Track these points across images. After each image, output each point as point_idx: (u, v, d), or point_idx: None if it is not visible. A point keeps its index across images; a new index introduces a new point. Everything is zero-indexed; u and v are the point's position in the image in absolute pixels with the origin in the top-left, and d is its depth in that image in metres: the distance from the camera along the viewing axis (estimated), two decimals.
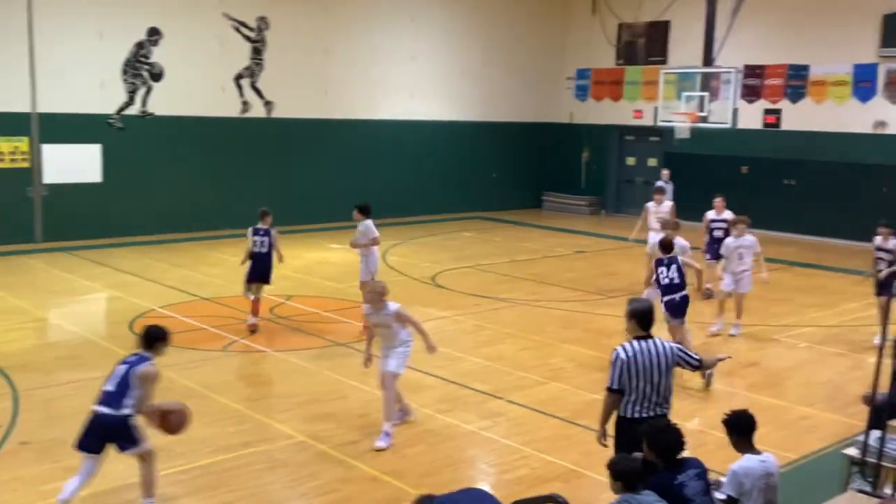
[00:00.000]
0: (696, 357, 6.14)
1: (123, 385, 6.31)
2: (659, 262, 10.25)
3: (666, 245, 10.38)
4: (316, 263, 16.69)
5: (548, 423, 8.54)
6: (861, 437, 6.22)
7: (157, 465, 6.51)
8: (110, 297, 13.70)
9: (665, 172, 19.69)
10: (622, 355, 5.83)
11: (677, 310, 10.08)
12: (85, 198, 18.16)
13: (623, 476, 4.82)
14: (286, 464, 7.42)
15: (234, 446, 7.72)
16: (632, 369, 5.80)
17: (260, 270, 11.73)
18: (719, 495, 5.34)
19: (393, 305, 8.05)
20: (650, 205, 15.11)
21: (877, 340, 10.61)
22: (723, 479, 5.37)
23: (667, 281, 10.08)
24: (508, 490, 6.92)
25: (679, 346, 6.11)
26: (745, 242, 11.86)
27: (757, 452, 5.40)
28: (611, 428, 6.06)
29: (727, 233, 13.87)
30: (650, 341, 5.90)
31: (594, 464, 7.22)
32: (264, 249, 11.72)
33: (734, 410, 5.54)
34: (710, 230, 14.28)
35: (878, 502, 5.50)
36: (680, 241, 10.99)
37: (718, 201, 14.38)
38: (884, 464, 5.97)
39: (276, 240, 11.87)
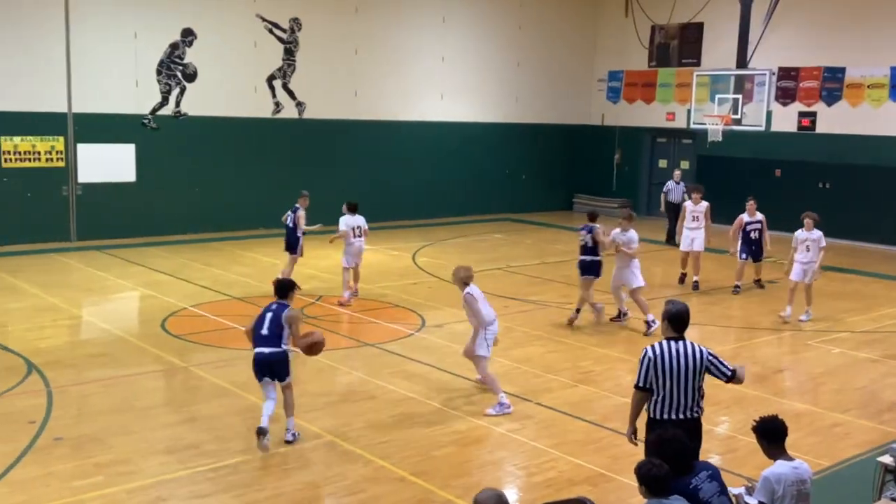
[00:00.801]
0: (730, 367, 6.02)
1: (277, 327, 7.70)
2: (582, 227, 12.54)
3: (590, 216, 12.58)
4: None
5: (577, 426, 8.49)
6: None
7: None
8: (143, 295, 13.85)
9: (677, 173, 20.11)
10: (650, 354, 5.90)
11: (584, 269, 12.34)
12: (119, 197, 18.39)
13: (650, 481, 4.78)
14: (315, 463, 7.44)
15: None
16: (658, 369, 5.85)
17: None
18: (751, 501, 5.27)
19: (468, 290, 8.77)
20: (687, 204, 15.64)
21: None
22: (756, 484, 5.30)
23: (582, 243, 12.39)
24: (537, 493, 6.89)
25: (711, 352, 6.01)
26: (812, 236, 12.91)
27: (790, 458, 5.33)
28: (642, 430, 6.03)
29: (761, 234, 14.73)
30: (681, 343, 5.92)
31: (623, 468, 7.17)
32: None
33: (764, 417, 5.47)
34: (746, 232, 14.84)
35: None
36: (632, 234, 12.34)
37: (750, 204, 14.96)
38: None
39: (299, 219, 13.98)
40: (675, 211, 19.38)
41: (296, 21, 20.35)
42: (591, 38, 26.22)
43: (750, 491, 5.38)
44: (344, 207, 14.07)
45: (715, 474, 5.09)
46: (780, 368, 10.58)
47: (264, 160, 20.27)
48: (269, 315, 7.78)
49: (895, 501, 5.64)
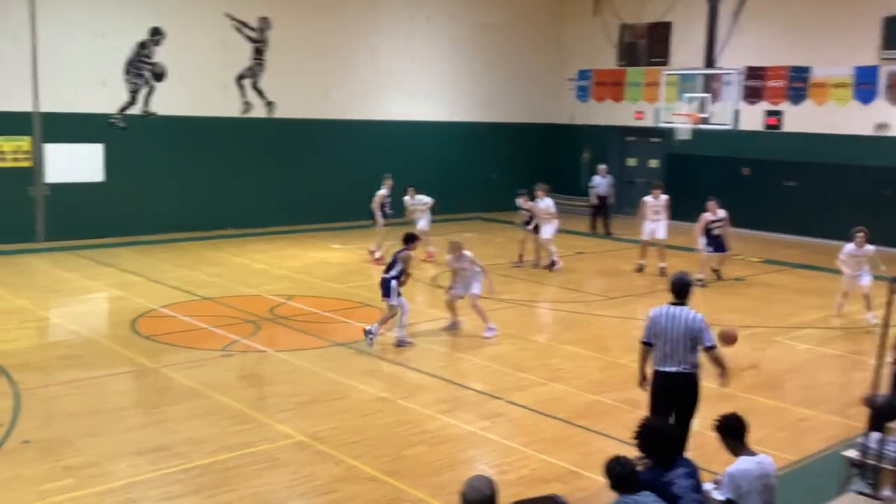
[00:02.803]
0: (713, 341, 6.89)
1: (391, 266, 11.06)
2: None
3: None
4: (317, 264, 16.71)
5: (548, 424, 8.55)
6: (861, 439, 6.23)
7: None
8: (112, 296, 13.72)
9: (602, 168, 21.91)
10: (651, 313, 7.01)
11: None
12: (87, 197, 18.19)
13: (616, 478, 4.84)
14: (287, 463, 7.43)
15: (234, 446, 7.73)
16: (657, 327, 6.88)
17: None
18: (718, 497, 5.36)
19: (468, 253, 11.61)
20: (648, 199, 16.41)
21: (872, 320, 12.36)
22: (721, 478, 5.39)
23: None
24: (508, 491, 6.92)
25: (704, 322, 6.81)
26: (866, 251, 12.96)
27: (753, 454, 5.43)
28: None
29: (723, 230, 15.54)
30: (679, 308, 6.90)
31: (594, 465, 7.23)
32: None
33: (723, 415, 5.60)
34: (710, 229, 15.44)
35: None
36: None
37: (712, 204, 15.60)
38: (883, 466, 5.98)
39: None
40: (601, 203, 21.57)
41: (265, 20, 20.24)
42: (560, 37, 26.35)
43: (717, 487, 5.48)
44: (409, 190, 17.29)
45: (693, 472, 5.16)
46: (748, 365, 10.72)
47: (234, 160, 20.15)
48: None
49: (860, 495, 5.76)
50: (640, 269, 16.35)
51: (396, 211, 17.78)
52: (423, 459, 7.62)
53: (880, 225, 20.32)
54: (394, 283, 10.89)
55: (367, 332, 10.85)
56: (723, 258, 15.84)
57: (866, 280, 12.84)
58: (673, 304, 6.95)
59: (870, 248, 12.91)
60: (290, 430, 8.14)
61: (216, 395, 9.03)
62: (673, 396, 6.91)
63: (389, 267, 11.18)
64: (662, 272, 15.73)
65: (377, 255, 16.77)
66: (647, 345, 6.98)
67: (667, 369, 6.82)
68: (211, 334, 11.44)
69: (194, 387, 9.30)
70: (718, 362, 7.03)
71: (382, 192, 17.30)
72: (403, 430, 8.23)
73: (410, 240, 11.50)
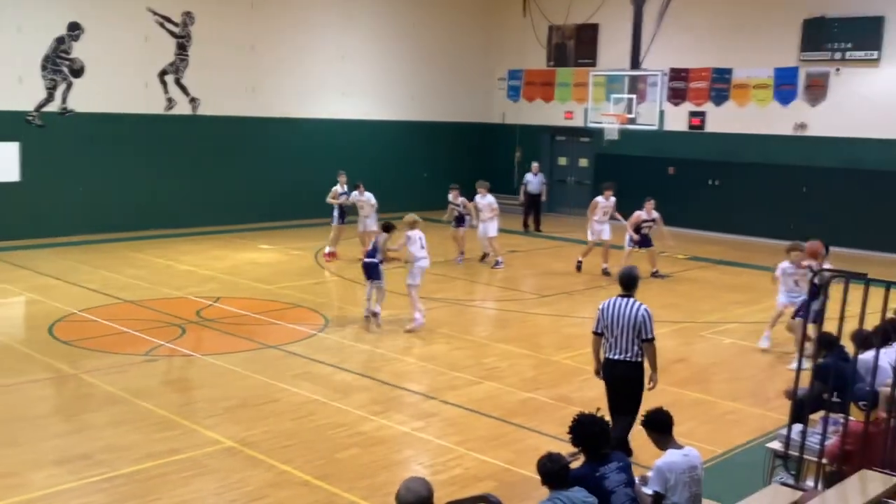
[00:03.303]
0: (652, 335, 7.25)
1: (374, 249, 12.13)
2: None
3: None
4: (245, 264, 16.41)
5: (481, 423, 8.54)
6: (784, 431, 6.37)
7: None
8: (29, 300, 13.21)
9: (535, 165, 22.18)
10: (601, 306, 7.41)
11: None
12: (2, 197, 17.48)
13: (547, 475, 4.85)
14: (215, 470, 7.24)
15: (160, 453, 7.50)
16: (606, 318, 7.30)
17: None
18: (646, 490, 5.42)
19: (408, 232, 12.05)
20: (600, 199, 16.50)
21: (764, 344, 11.59)
22: (650, 474, 5.46)
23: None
24: (442, 491, 6.88)
25: (649, 314, 7.22)
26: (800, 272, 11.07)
27: (679, 447, 5.51)
28: None
29: (650, 230, 15.94)
30: (626, 300, 7.28)
31: (527, 462, 7.24)
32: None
33: (650, 410, 5.70)
34: (639, 227, 15.74)
35: (800, 494, 5.64)
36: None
37: (649, 204, 15.90)
38: (806, 457, 6.13)
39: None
40: (533, 201, 21.88)
41: (188, 15, 19.78)
42: (490, 37, 26.46)
43: (644, 481, 5.53)
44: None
45: (625, 467, 5.21)
46: (676, 359, 10.91)
47: (158, 158, 19.63)
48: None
49: (784, 486, 5.88)
50: (579, 268, 16.42)
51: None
52: (357, 462, 7.52)
53: (798, 221, 21.08)
54: (380, 266, 12.04)
55: (374, 315, 11.99)
56: (653, 257, 16.09)
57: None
58: (621, 295, 7.32)
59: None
60: (218, 436, 7.94)
61: (140, 400, 8.76)
62: (618, 383, 7.36)
63: (372, 253, 12.13)
64: (606, 272, 15.89)
65: (328, 250, 17.01)
66: (598, 335, 7.38)
67: (614, 357, 7.29)
68: (134, 338, 11.09)
69: (116, 393, 9.00)
70: (653, 356, 7.33)
71: (336, 188, 17.22)
72: (336, 433, 8.12)
73: (388, 228, 12.38)
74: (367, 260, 12.17)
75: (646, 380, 7.39)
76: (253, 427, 8.19)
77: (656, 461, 5.43)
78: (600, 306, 7.38)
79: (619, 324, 7.20)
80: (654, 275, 15.95)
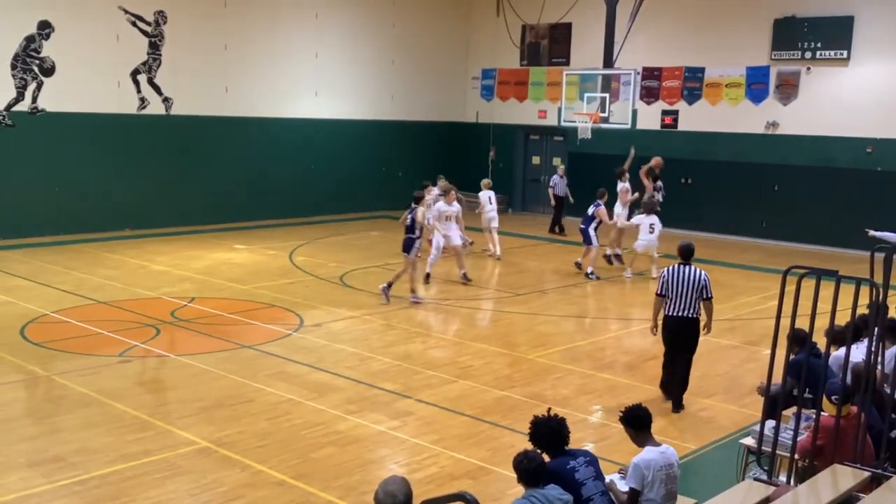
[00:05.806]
0: (711, 294, 8.88)
1: (412, 221, 13.06)
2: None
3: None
4: (220, 264, 16.30)
5: (457, 421, 8.56)
6: (756, 427, 6.44)
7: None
8: (0, 301, 13.06)
9: (561, 168, 22.13)
10: (664, 273, 8.99)
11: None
12: None
13: (523, 473, 4.87)
14: (189, 471, 7.19)
15: (133, 455, 7.44)
16: (670, 283, 8.86)
17: None
18: (623, 487, 5.46)
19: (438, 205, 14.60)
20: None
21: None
22: (627, 469, 5.50)
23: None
24: (418, 489, 6.85)
25: (707, 279, 8.85)
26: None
27: (657, 444, 5.56)
28: None
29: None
30: (687, 267, 8.91)
31: (502, 460, 7.27)
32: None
33: (629, 406, 5.72)
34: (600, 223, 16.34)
35: (773, 490, 5.70)
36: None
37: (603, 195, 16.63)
38: (779, 452, 6.19)
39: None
40: (560, 204, 21.63)
41: (161, 14, 19.61)
42: (464, 36, 26.49)
43: (623, 476, 5.58)
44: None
45: (592, 461, 5.25)
46: (649, 357, 10.98)
47: (129, 158, 19.43)
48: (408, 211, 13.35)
49: (757, 481, 5.94)
50: (578, 266, 16.62)
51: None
52: (333, 461, 7.51)
53: (770, 219, 21.29)
54: (417, 242, 13.09)
55: (387, 286, 13.26)
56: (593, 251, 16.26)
57: None
58: (681, 263, 8.93)
59: None
60: (192, 437, 7.89)
61: (113, 402, 8.68)
62: (682, 334, 8.92)
63: (411, 228, 13.16)
64: (578, 266, 16.46)
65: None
66: (660, 296, 8.95)
67: (677, 314, 8.85)
68: (107, 339, 10.99)
69: (89, 394, 8.92)
70: (711, 311, 8.95)
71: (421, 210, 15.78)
72: (312, 433, 8.09)
73: (418, 200, 13.49)
74: (407, 235, 13.29)
75: (701, 327, 8.94)
76: (227, 427, 8.15)
77: (634, 458, 5.47)
78: (663, 273, 8.97)
79: (682, 286, 8.77)
80: (577, 265, 16.52)
